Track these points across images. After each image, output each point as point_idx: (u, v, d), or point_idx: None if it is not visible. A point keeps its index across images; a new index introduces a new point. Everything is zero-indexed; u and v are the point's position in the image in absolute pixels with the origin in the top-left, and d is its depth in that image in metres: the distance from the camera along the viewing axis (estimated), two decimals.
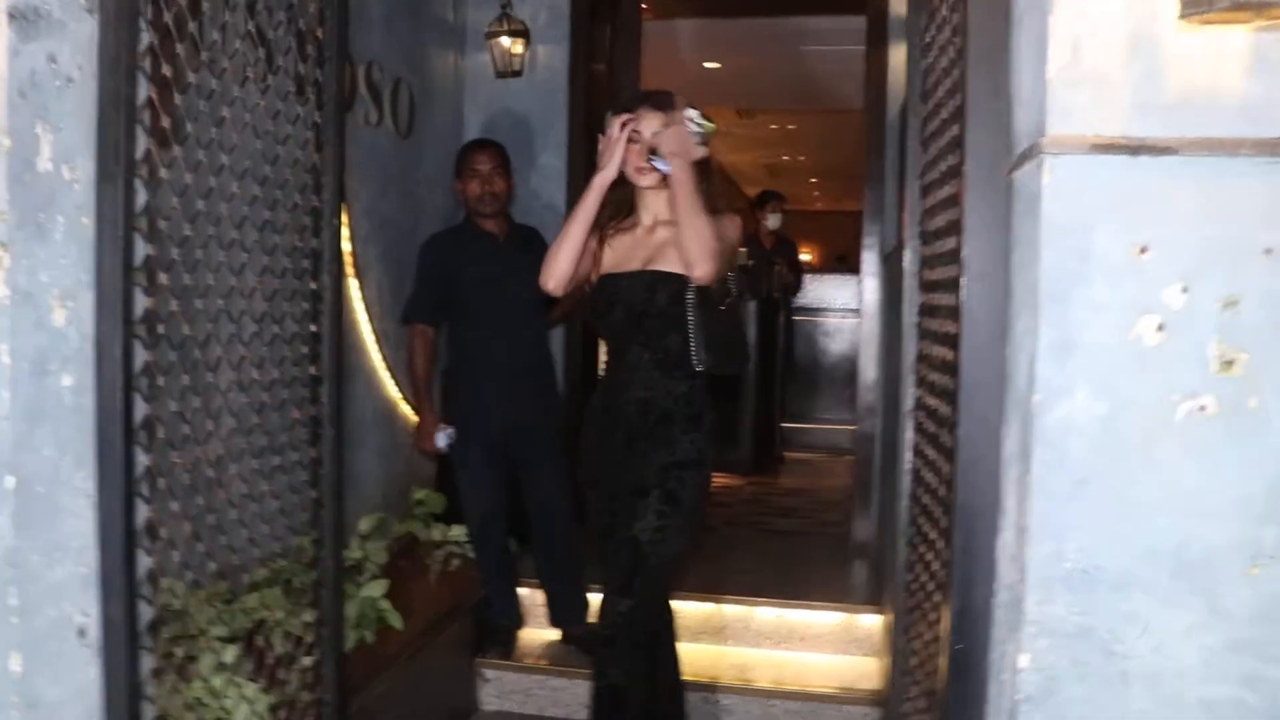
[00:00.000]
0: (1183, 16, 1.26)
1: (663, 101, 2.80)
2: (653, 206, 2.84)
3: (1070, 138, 1.35)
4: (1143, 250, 1.34)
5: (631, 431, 2.81)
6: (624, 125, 2.71)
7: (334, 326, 2.41)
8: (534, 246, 4.06)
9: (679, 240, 2.68)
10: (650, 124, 2.76)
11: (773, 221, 7.50)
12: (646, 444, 2.80)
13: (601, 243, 2.84)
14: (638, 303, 2.76)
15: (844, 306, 8.26)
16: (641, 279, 2.77)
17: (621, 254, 2.83)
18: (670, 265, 2.76)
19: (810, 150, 13.44)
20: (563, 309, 4.19)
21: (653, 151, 2.76)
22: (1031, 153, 1.40)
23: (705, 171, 2.78)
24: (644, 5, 5.41)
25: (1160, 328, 1.34)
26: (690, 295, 2.75)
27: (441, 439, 4.05)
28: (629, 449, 2.81)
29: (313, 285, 2.39)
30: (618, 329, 2.80)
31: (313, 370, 2.39)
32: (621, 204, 2.86)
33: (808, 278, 8.47)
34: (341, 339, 2.47)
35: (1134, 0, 1.32)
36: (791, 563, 4.98)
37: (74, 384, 1.74)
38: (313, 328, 2.40)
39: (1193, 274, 1.33)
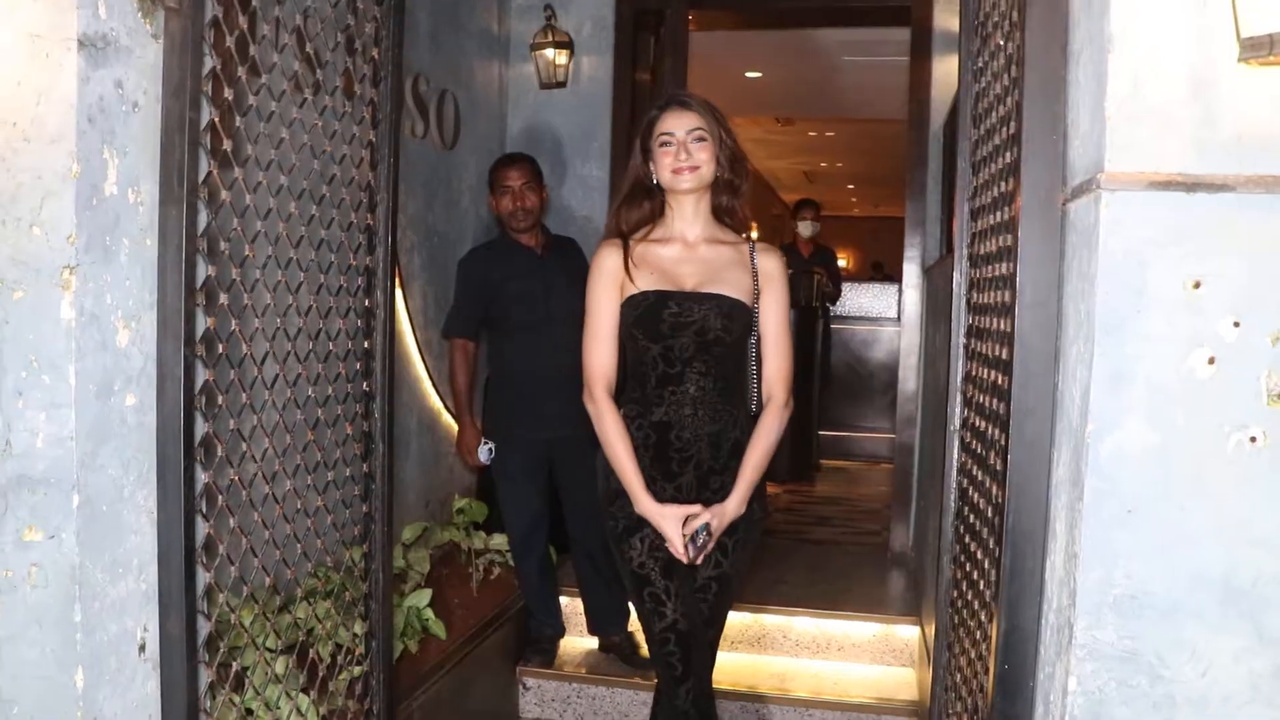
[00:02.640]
0: (1242, 59, 1.26)
1: (688, 102, 2.63)
2: (691, 218, 2.65)
3: (1128, 174, 1.36)
4: (1197, 285, 1.34)
5: (704, 469, 2.59)
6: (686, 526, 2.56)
7: (387, 343, 2.45)
8: (571, 257, 4.09)
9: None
10: (683, 122, 2.58)
11: (808, 229, 7.50)
12: (721, 479, 2.61)
13: (627, 252, 2.63)
14: (711, 329, 2.55)
15: (881, 315, 8.24)
16: (717, 304, 2.56)
17: (664, 269, 2.62)
18: (733, 292, 2.60)
19: (848, 157, 13.42)
20: None
21: (698, 531, 2.56)
22: (1089, 187, 1.41)
23: (741, 176, 2.65)
24: (689, 16, 5.43)
25: (1212, 360, 1.35)
26: (756, 329, 2.65)
27: (483, 453, 4.08)
28: (702, 487, 2.60)
29: (366, 302, 2.43)
30: (678, 354, 2.57)
31: (365, 386, 2.43)
32: (649, 213, 2.69)
33: (847, 286, 8.46)
34: (394, 355, 2.50)
35: (1193, 41, 1.32)
36: (829, 572, 4.98)
37: (137, 404, 1.78)
38: (365, 344, 2.44)
39: (1245, 308, 1.34)
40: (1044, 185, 1.53)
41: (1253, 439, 1.36)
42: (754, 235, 2.86)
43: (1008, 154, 1.73)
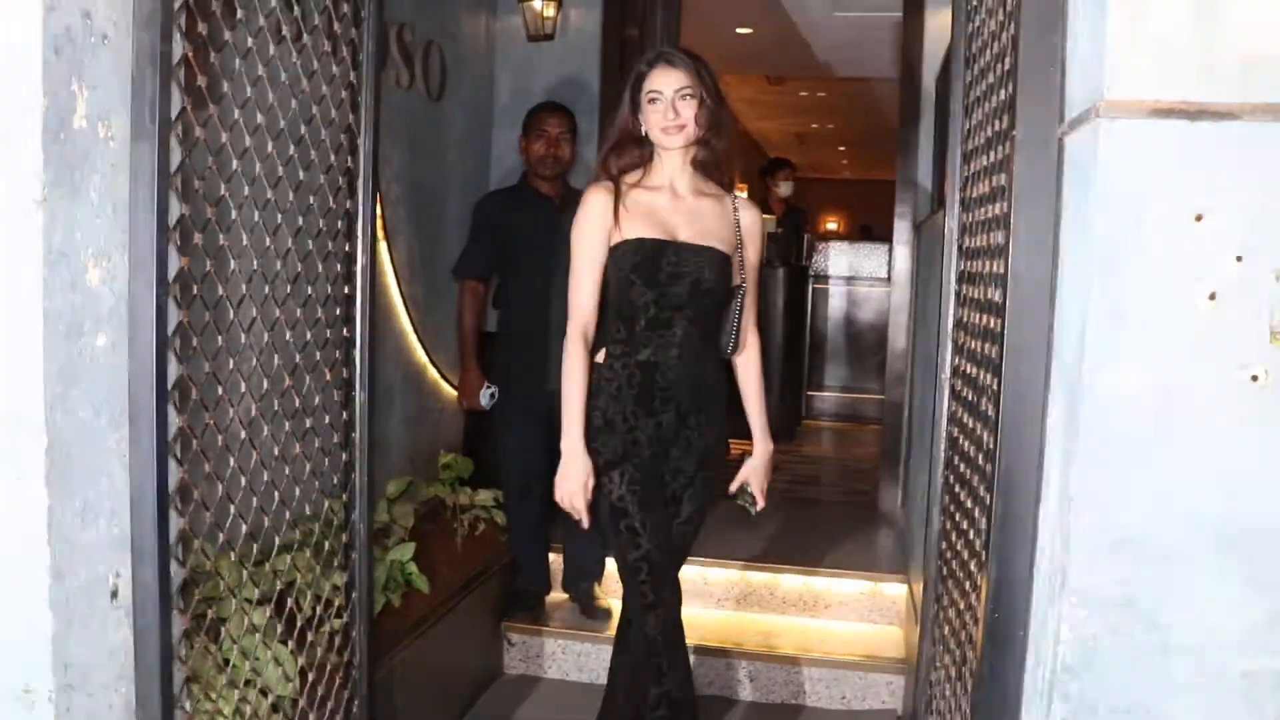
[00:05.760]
0: None
1: (676, 59, 2.65)
2: (678, 169, 2.71)
3: (1128, 102, 1.31)
4: (1198, 218, 1.30)
5: (684, 409, 2.72)
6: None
7: (367, 289, 2.40)
8: None
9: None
10: (670, 80, 2.61)
11: (788, 189, 7.46)
12: (699, 418, 2.74)
13: (619, 197, 2.67)
14: (705, 281, 2.65)
15: (871, 275, 8.20)
16: (710, 255, 2.66)
17: (660, 218, 2.67)
18: (721, 242, 2.70)
19: (840, 118, 13.32)
20: None
21: (741, 489, 2.90)
22: (1087, 117, 1.36)
23: (724, 133, 2.69)
24: None
25: (1213, 297, 1.31)
26: (741, 278, 2.76)
27: (484, 396, 4.06)
28: (681, 425, 2.73)
29: (346, 247, 2.38)
30: (671, 301, 2.64)
31: (345, 333, 2.39)
32: (640, 158, 2.73)
33: (835, 246, 8.41)
34: (375, 302, 2.46)
35: None
36: (817, 531, 4.96)
37: (108, 344, 1.73)
38: (346, 290, 2.40)
39: (1249, 243, 1.30)
40: (1041, 119, 1.49)
41: (1254, 378, 1.32)
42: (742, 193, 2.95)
43: (1002, 91, 1.68)
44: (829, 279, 8.30)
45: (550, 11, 5.04)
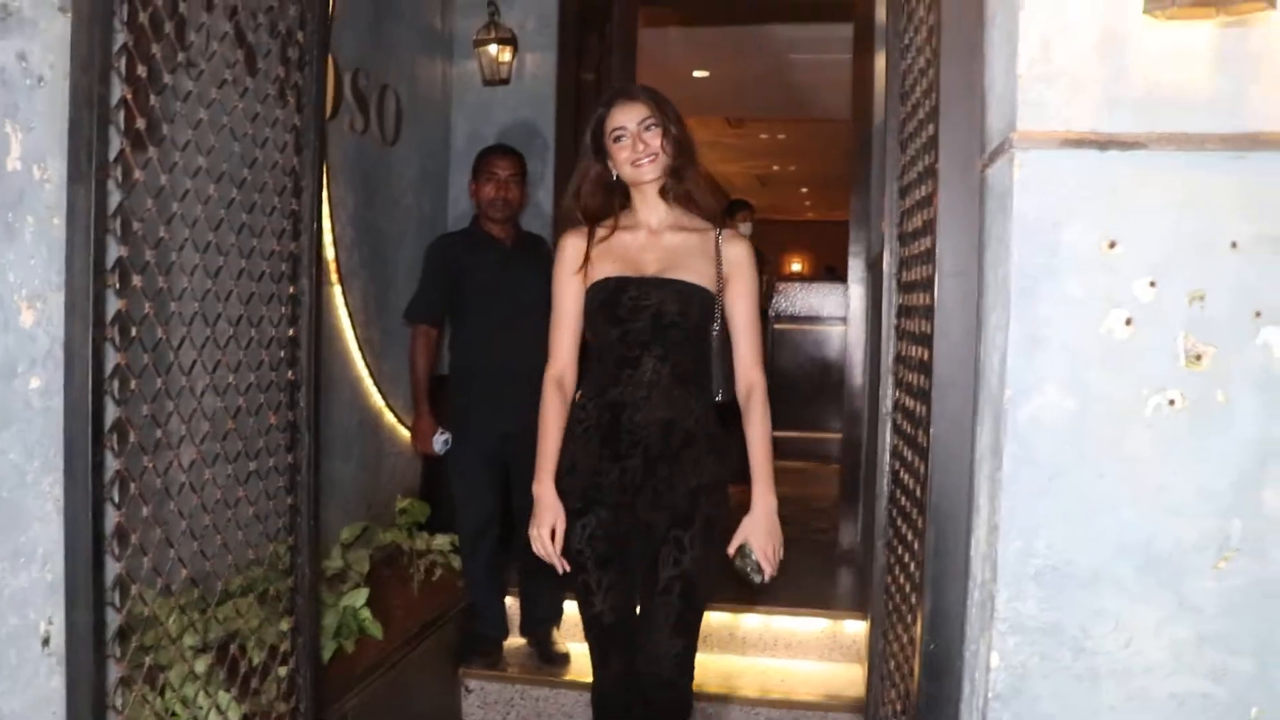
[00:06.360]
0: (1147, 11, 1.26)
1: (634, 92, 2.63)
2: (656, 206, 2.64)
3: (1040, 133, 1.35)
4: (1112, 244, 1.33)
5: (651, 455, 2.56)
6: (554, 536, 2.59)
7: (312, 330, 2.40)
8: (539, 253, 4.07)
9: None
10: (632, 114, 2.57)
11: (744, 230, 7.53)
12: (670, 467, 2.57)
13: (592, 240, 2.63)
14: (671, 312, 2.55)
15: (832, 315, 8.26)
16: (675, 289, 2.56)
17: (628, 256, 2.62)
18: (696, 278, 2.58)
19: (801, 160, 13.47)
20: None
21: (741, 552, 2.59)
22: (1003, 148, 1.40)
23: (687, 161, 2.62)
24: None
25: (1129, 322, 1.34)
26: (717, 314, 2.61)
27: (439, 442, 4.03)
28: (647, 474, 2.56)
29: (291, 289, 2.39)
30: (636, 338, 2.56)
31: (290, 375, 2.38)
32: (610, 200, 2.67)
33: (797, 287, 8.48)
34: (320, 343, 2.46)
35: None
36: (781, 571, 4.95)
37: (42, 386, 1.73)
38: (291, 332, 2.40)
39: (1161, 268, 1.33)
40: (962, 152, 1.52)
41: (1171, 402, 1.35)
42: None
43: (930, 126, 1.72)
44: (791, 319, 8.35)
45: (506, 56, 5.09)
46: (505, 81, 5.12)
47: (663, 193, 2.64)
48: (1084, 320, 1.35)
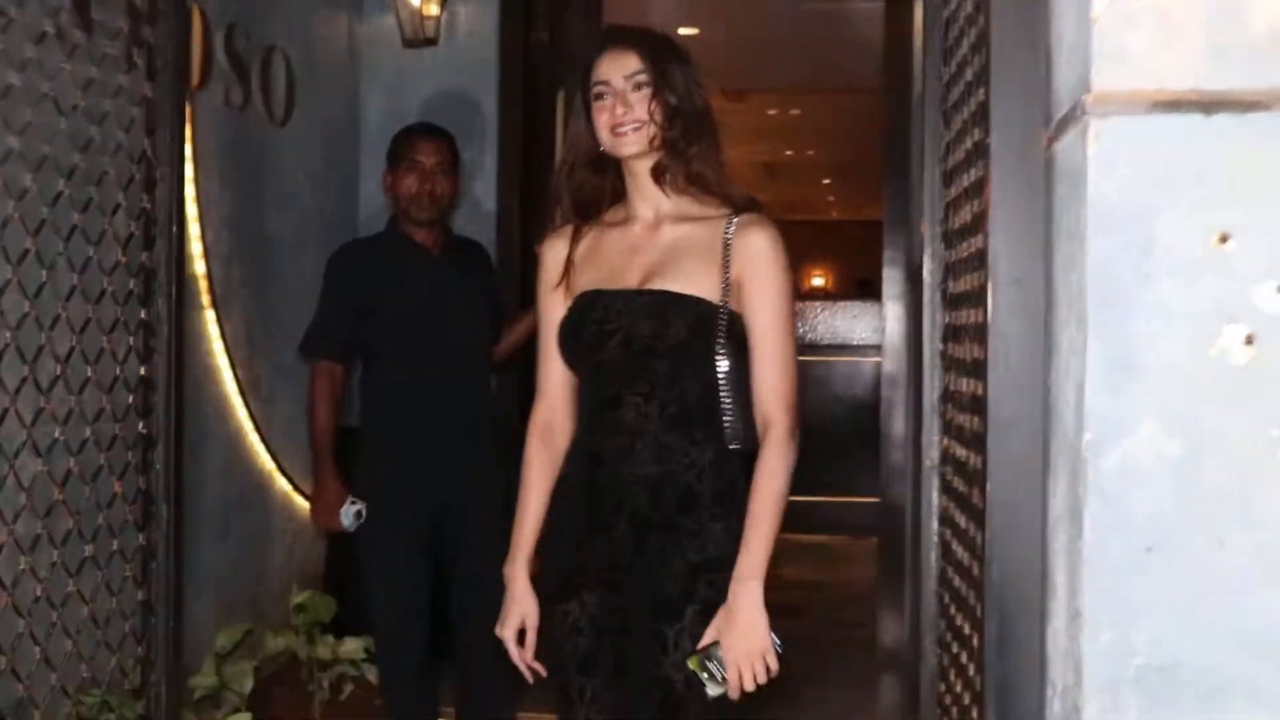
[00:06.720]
0: None
1: (627, 36, 2.56)
2: (649, 193, 2.57)
3: (1124, 93, 1.32)
4: (1223, 239, 1.31)
5: (640, 521, 2.50)
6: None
7: (172, 369, 2.37)
8: (475, 265, 4.04)
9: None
10: (620, 65, 2.51)
11: None
12: (663, 538, 2.49)
13: (576, 241, 2.62)
14: (643, 335, 2.48)
15: (865, 343, 8.27)
16: (647, 301, 2.50)
17: (612, 261, 2.59)
18: (688, 283, 2.50)
19: (821, 143, 13.55)
20: (509, 344, 4.17)
21: (708, 651, 2.38)
22: (1075, 115, 1.38)
23: (691, 134, 2.52)
24: None
25: (1249, 340, 1.31)
26: (723, 331, 2.49)
27: (347, 515, 3.96)
28: (637, 547, 2.50)
29: (143, 314, 2.36)
30: (608, 372, 2.52)
31: (143, 428, 2.35)
32: (602, 188, 2.62)
33: (819, 307, 8.50)
34: (183, 385, 2.43)
35: None
36: (803, 681, 4.92)
37: None
38: (143, 370, 2.37)
39: None
40: (1021, 122, 1.51)
41: None
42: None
43: (980, 91, 1.71)
44: (812, 349, 8.35)
45: (433, 9, 5.09)
46: (432, 41, 5.12)
47: (657, 175, 2.56)
48: (1189, 339, 1.32)
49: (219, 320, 4.12)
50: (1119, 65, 1.32)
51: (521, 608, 2.57)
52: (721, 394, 2.54)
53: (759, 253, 2.50)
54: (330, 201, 5.00)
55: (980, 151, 1.72)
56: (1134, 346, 1.34)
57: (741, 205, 2.54)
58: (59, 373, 2.12)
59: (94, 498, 2.21)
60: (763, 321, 2.50)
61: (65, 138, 2.12)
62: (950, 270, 2.02)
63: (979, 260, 1.71)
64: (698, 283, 2.50)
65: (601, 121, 2.52)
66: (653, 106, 2.50)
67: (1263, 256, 1.32)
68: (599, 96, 2.52)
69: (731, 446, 2.54)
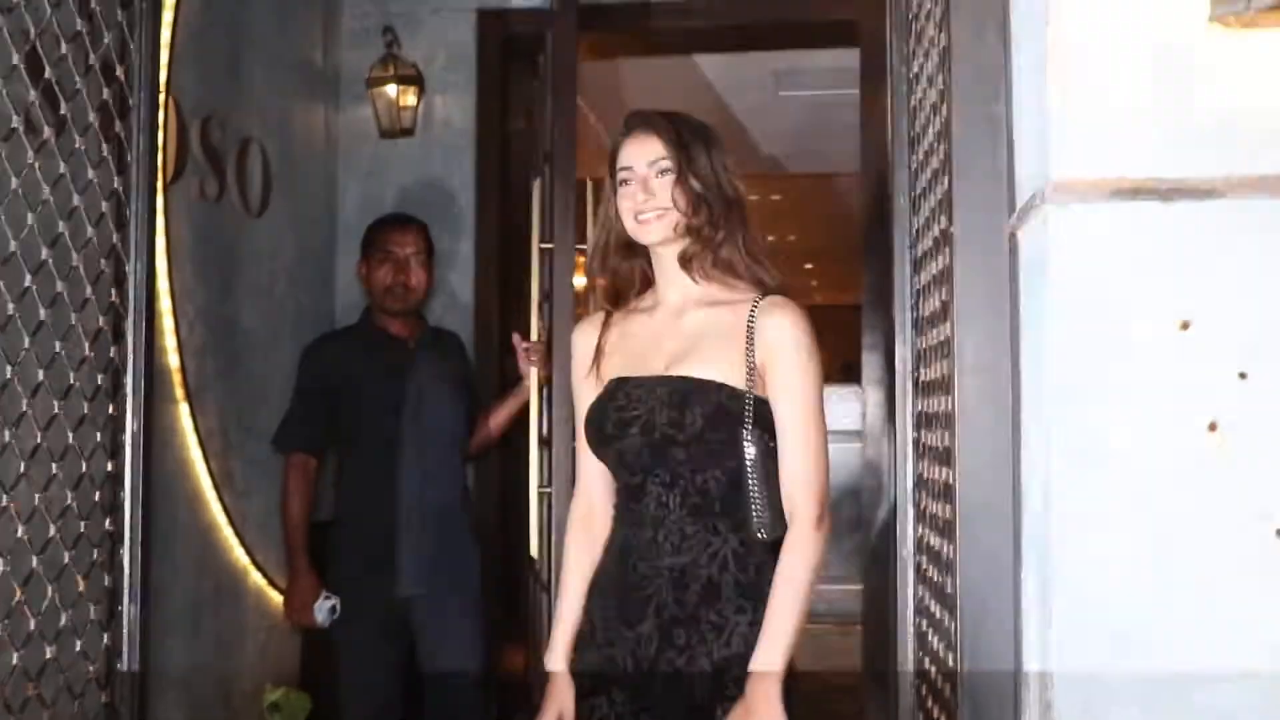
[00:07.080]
0: (1215, 19, 1.26)
1: (649, 121, 2.55)
2: (675, 278, 2.58)
3: (1084, 182, 1.34)
4: (1185, 325, 1.32)
5: (666, 616, 2.48)
6: None
7: (140, 465, 2.36)
8: (451, 357, 4.05)
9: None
10: (643, 151, 2.52)
11: None
12: (688, 633, 2.47)
13: (606, 327, 2.65)
14: (661, 423, 2.46)
15: (847, 429, 8.25)
16: (666, 388, 2.49)
17: (639, 347, 2.60)
18: (710, 368, 2.49)
19: (802, 228, 13.60)
20: (486, 435, 4.15)
21: None
22: (1036, 203, 1.39)
23: (716, 221, 2.51)
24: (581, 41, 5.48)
25: (1214, 427, 1.32)
26: (749, 418, 2.45)
27: (322, 610, 3.95)
28: (664, 643, 2.48)
29: (111, 409, 2.35)
30: (631, 460, 2.51)
31: (108, 525, 2.33)
32: (632, 273, 2.65)
33: None
34: (152, 482, 2.41)
35: (1154, 2, 1.31)
36: None
37: None
38: (110, 467, 2.36)
39: (1254, 353, 1.31)
40: (984, 210, 1.52)
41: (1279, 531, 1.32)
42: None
43: (945, 179, 1.72)
44: None
45: (409, 99, 5.13)
46: (408, 132, 5.15)
47: (684, 261, 2.56)
48: (1155, 427, 1.33)
49: (192, 414, 4.10)
50: (1078, 154, 1.34)
51: (558, 703, 2.57)
52: (749, 482, 2.47)
53: (782, 336, 2.49)
54: (306, 293, 5.00)
55: (946, 239, 1.73)
56: (1098, 436, 1.34)
57: (770, 289, 2.54)
58: (23, 471, 2.10)
59: (57, 596, 2.18)
60: (788, 407, 2.47)
61: (32, 233, 2.12)
62: (921, 357, 2.02)
63: (947, 348, 1.71)
64: (721, 369, 2.49)
65: (625, 208, 2.54)
66: (675, 193, 2.49)
67: (1224, 343, 1.33)
68: (624, 182, 2.55)
69: (759, 536, 2.48)
